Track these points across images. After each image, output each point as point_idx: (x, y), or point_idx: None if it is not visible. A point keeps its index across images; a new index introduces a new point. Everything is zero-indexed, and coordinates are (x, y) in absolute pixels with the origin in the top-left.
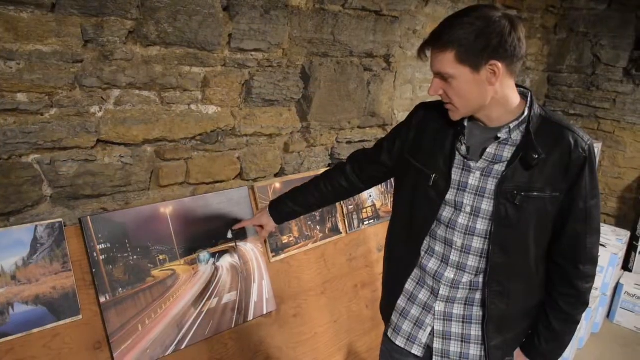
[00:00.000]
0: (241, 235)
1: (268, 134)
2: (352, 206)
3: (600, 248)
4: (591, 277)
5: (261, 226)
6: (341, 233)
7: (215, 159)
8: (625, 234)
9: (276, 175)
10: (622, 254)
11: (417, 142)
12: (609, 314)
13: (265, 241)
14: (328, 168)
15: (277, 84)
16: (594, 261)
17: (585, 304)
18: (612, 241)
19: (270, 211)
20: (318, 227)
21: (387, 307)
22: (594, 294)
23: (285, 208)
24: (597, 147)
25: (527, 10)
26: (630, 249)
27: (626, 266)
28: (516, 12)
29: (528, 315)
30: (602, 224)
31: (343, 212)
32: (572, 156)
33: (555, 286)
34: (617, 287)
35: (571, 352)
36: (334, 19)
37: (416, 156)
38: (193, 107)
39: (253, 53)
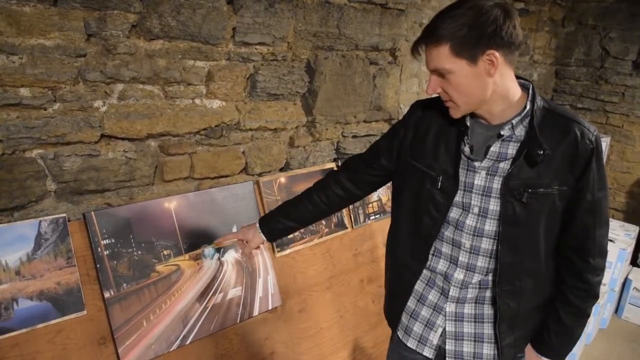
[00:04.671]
0: None
1: (273, 128)
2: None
3: (609, 243)
4: (601, 270)
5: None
6: (347, 228)
7: (220, 153)
8: (634, 229)
9: (281, 170)
10: (630, 249)
11: (417, 143)
12: (617, 310)
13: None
14: (329, 169)
15: (282, 77)
16: (603, 254)
17: (595, 297)
18: (620, 236)
19: (260, 227)
20: (324, 222)
21: (394, 311)
22: (602, 289)
23: (277, 224)
24: (606, 141)
25: (534, 2)
26: (639, 244)
27: (635, 262)
28: (523, 5)
29: (539, 312)
30: (610, 219)
31: (349, 207)
32: (579, 148)
33: (565, 280)
34: (625, 283)
35: (579, 348)
36: (339, 12)
37: (419, 158)
38: (197, 101)
39: (257, 47)
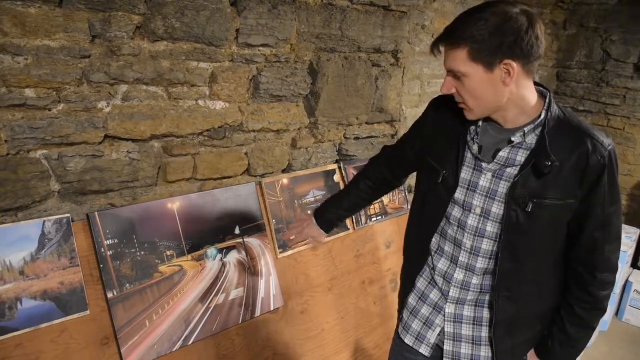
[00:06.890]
0: (249, 231)
1: (276, 130)
2: None
3: None
4: (609, 285)
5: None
6: (349, 229)
7: (223, 154)
8: (635, 232)
9: (284, 171)
10: (631, 252)
11: (432, 137)
12: (618, 312)
13: (272, 237)
14: (337, 163)
15: (285, 79)
16: (612, 269)
17: (601, 311)
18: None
19: (317, 222)
20: None
21: (400, 301)
22: None
23: (330, 215)
24: None
25: (536, 5)
26: None
27: (635, 264)
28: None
29: (540, 320)
30: None
31: None
32: (590, 162)
33: (571, 291)
34: (626, 285)
35: None
36: (342, 14)
37: (430, 152)
38: (200, 102)
39: (261, 48)
